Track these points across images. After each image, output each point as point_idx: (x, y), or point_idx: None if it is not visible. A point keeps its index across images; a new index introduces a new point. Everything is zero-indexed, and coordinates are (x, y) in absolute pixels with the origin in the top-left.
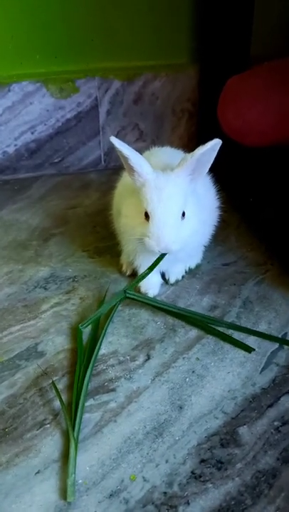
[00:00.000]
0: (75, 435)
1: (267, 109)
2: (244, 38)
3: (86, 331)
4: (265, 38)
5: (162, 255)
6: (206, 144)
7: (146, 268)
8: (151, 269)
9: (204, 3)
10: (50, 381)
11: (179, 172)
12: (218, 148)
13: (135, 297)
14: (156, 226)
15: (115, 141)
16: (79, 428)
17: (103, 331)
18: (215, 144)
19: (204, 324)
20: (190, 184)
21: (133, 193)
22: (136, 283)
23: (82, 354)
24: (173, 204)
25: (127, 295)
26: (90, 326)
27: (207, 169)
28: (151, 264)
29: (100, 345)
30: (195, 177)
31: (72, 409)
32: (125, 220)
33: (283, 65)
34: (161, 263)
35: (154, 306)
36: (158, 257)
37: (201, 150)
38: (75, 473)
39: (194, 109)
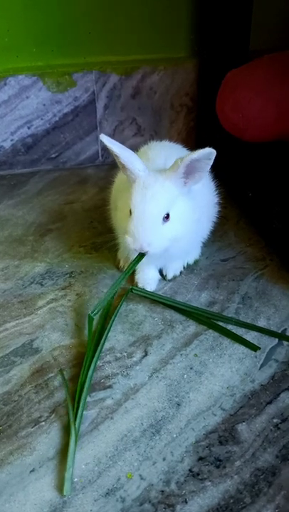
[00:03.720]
0: (77, 427)
1: (267, 102)
2: (243, 32)
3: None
4: (265, 32)
5: (142, 255)
6: (197, 152)
7: (143, 264)
8: (130, 268)
9: None
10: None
11: (170, 174)
12: (212, 158)
13: (142, 293)
14: (133, 224)
15: (105, 139)
16: (80, 420)
17: (109, 325)
18: (208, 153)
19: (214, 323)
20: (182, 187)
21: (129, 187)
22: (120, 281)
23: (91, 342)
24: (154, 205)
25: (134, 291)
26: (94, 322)
27: (203, 176)
28: (132, 261)
29: (106, 337)
30: (189, 181)
31: (76, 399)
32: (119, 213)
33: (284, 58)
34: (158, 259)
35: (163, 303)
36: (137, 256)
37: (191, 156)
38: (73, 467)
39: (193, 104)
